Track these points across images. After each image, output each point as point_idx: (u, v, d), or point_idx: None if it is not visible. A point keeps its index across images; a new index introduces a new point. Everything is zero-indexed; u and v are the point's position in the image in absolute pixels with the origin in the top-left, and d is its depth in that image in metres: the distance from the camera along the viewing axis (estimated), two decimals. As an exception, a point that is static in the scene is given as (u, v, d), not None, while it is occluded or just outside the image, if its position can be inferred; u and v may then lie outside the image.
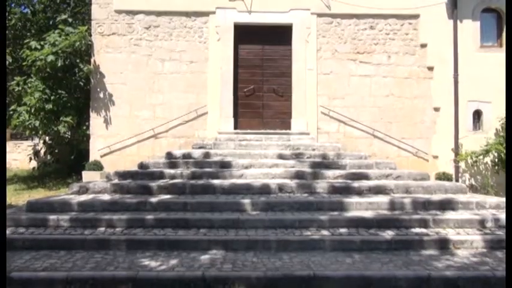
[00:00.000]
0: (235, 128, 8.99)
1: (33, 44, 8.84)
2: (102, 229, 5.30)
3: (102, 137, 8.88)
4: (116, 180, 7.07)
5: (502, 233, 5.16)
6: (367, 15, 9.10)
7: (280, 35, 9.15)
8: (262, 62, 9.27)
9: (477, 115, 9.14)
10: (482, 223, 5.48)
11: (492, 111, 8.93)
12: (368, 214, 5.64)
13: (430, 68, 9.05)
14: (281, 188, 6.51)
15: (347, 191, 6.52)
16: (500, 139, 8.56)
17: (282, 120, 9.17)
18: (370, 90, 9.07)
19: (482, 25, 9.19)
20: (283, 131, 8.95)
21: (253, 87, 9.19)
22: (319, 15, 9.12)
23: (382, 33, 9.19)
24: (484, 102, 9.01)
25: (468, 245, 4.96)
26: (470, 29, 9.09)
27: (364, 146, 8.92)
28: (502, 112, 8.59)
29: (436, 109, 9.01)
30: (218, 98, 8.93)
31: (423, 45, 9.08)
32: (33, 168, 11.29)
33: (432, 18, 9.03)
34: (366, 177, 7.12)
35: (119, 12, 9.07)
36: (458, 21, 8.98)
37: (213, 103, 8.93)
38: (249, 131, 8.88)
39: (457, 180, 8.63)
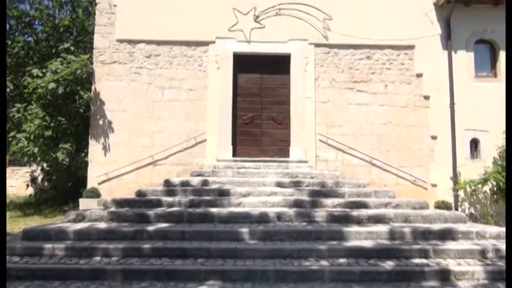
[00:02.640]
0: (234, 155, 9.01)
1: (35, 71, 8.94)
2: (98, 258, 5.22)
3: (100, 164, 8.87)
4: (113, 208, 7.01)
5: (503, 264, 5.11)
6: (363, 45, 9.30)
7: (279, 64, 9.31)
8: (261, 90, 9.39)
9: (474, 144, 9.20)
10: (483, 253, 5.42)
11: (489, 140, 9.00)
12: (367, 244, 5.58)
13: (427, 97, 9.17)
14: (279, 217, 6.46)
15: (346, 219, 6.47)
16: (498, 168, 8.58)
17: (280, 147, 9.20)
18: (367, 118, 9.16)
19: (476, 56, 9.38)
20: (282, 158, 8.96)
21: (252, 115, 9.27)
22: (317, 45, 9.31)
23: (379, 63, 9.37)
24: (481, 131, 9.09)
25: (469, 276, 4.89)
26: (464, 59, 9.28)
27: (362, 174, 8.92)
28: (499, 141, 8.71)
29: (434, 137, 9.07)
30: (217, 126, 8.99)
31: (419, 75, 9.24)
32: (30, 195, 11.21)
33: (427, 49, 9.23)
34: (364, 206, 7.09)
35: (121, 41, 9.24)
36: (452, 52, 9.18)
37: (212, 131, 8.99)
38: (247, 158, 8.89)
39: (456, 209, 8.60)
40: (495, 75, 9.44)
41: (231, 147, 8.98)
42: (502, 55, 9.33)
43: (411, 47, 9.30)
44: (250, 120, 9.27)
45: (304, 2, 9.25)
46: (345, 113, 9.15)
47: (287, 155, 9.05)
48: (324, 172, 8.58)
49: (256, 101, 9.36)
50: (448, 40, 9.19)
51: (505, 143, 8.62)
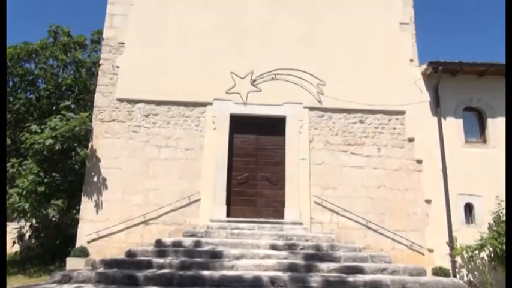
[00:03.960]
0: (228, 215, 8.90)
1: (34, 127, 9.06)
2: (82, 324, 4.95)
3: (91, 222, 8.69)
4: (101, 269, 6.77)
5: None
6: (356, 110, 9.61)
7: (275, 126, 9.54)
8: (256, 151, 9.52)
9: (469, 208, 9.20)
10: (484, 325, 5.22)
11: (483, 205, 9.02)
12: (364, 312, 5.36)
13: (419, 161, 9.32)
14: (273, 281, 6.25)
15: (342, 285, 6.27)
16: (494, 234, 8.51)
17: (275, 209, 9.14)
18: (362, 181, 9.22)
19: (465, 122, 9.71)
20: (276, 220, 8.86)
21: (247, 175, 9.31)
22: (311, 108, 9.62)
23: (371, 127, 9.63)
24: (475, 196, 9.14)
25: None
26: (454, 125, 9.58)
27: (357, 237, 8.79)
28: (493, 206, 8.73)
29: (428, 201, 9.08)
30: (212, 185, 8.98)
31: (411, 139, 9.46)
32: (16, 252, 10.82)
33: (417, 114, 9.55)
34: (361, 271, 6.91)
35: (121, 100, 9.50)
36: (442, 119, 9.50)
37: (206, 190, 8.96)
38: (241, 219, 8.78)
39: (454, 276, 8.39)
40: (484, 141, 9.70)
41: (225, 207, 8.90)
42: (490, 122, 9.68)
43: (402, 113, 9.62)
44: (245, 180, 9.29)
45: (299, 68, 9.70)
46: (339, 175, 9.22)
47: (282, 216, 8.96)
48: (318, 235, 8.45)
49: (251, 162, 9.45)
50: (437, 107, 9.55)
51: (499, 209, 8.69)
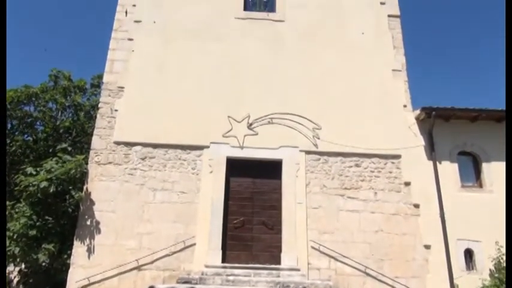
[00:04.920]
0: (224, 261, 8.68)
1: (29, 169, 9.01)
2: None
3: (83, 267, 8.44)
4: (91, 318, 6.49)
5: None
6: (352, 153, 9.67)
7: (271, 169, 9.54)
8: (252, 194, 9.45)
9: (469, 254, 9.04)
10: None
11: (483, 251, 8.88)
12: None
13: (416, 206, 9.26)
14: (270, 332, 6.00)
15: (341, 336, 6.02)
16: (496, 281, 8.32)
17: (271, 254, 8.93)
18: (359, 225, 9.10)
19: (460, 166, 9.77)
20: (273, 266, 8.64)
21: (243, 219, 9.18)
22: (307, 152, 9.67)
23: (367, 170, 9.64)
24: (474, 241, 9.01)
25: None
26: (449, 169, 9.63)
27: (356, 284, 8.54)
28: (493, 252, 8.60)
29: (427, 247, 8.92)
30: (207, 230, 8.82)
31: (407, 183, 9.46)
32: (1, 300, 10.38)
33: (413, 159, 9.61)
34: (360, 320, 6.66)
35: (118, 143, 9.55)
36: (437, 163, 9.56)
37: (201, 234, 8.79)
38: (237, 265, 8.55)
39: (457, 326, 8.09)
40: (480, 186, 9.71)
41: (220, 252, 8.70)
42: (485, 167, 9.75)
43: (398, 157, 9.69)
44: (241, 224, 9.15)
45: (295, 112, 9.86)
46: (336, 220, 9.11)
47: (278, 262, 8.74)
48: (316, 282, 8.20)
49: (247, 205, 9.35)
50: (432, 151, 9.64)
51: (499, 254, 8.54)
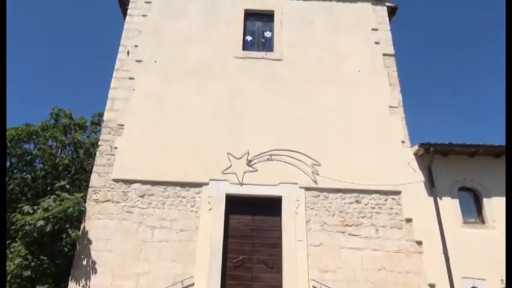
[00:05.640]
0: (222, 302, 8.42)
1: (26, 208, 8.92)
2: None
3: (77, 310, 8.17)
4: None
5: None
6: (352, 190, 9.62)
7: (270, 206, 9.45)
8: (252, 232, 9.31)
9: (474, 293, 8.81)
10: None
11: (489, 289, 8.65)
12: None
13: (419, 243, 9.11)
14: None
15: None
16: (503, 321, 8.05)
17: (272, 294, 8.68)
18: (361, 263, 8.90)
19: (461, 202, 9.68)
20: (273, 306, 8.38)
21: (242, 258, 8.99)
22: (307, 188, 9.62)
23: (368, 207, 9.56)
24: (479, 279, 8.79)
25: None
26: (450, 205, 9.55)
27: (360, 326, 8.25)
28: (499, 290, 8.37)
29: (432, 286, 8.69)
30: (206, 269, 8.61)
31: (408, 220, 9.35)
32: None
33: (413, 194, 9.55)
34: None
35: (117, 181, 9.51)
36: (438, 199, 9.50)
37: (200, 274, 8.57)
38: (236, 306, 8.30)
39: None
40: (483, 222, 9.60)
41: (219, 292, 8.46)
42: (486, 202, 9.67)
43: (398, 193, 9.63)
44: (240, 263, 8.95)
45: (294, 149, 9.91)
46: (338, 258, 8.92)
47: (279, 303, 8.48)
48: (318, 323, 7.94)
49: (247, 243, 9.19)
50: (432, 187, 9.61)
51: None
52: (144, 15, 12.00)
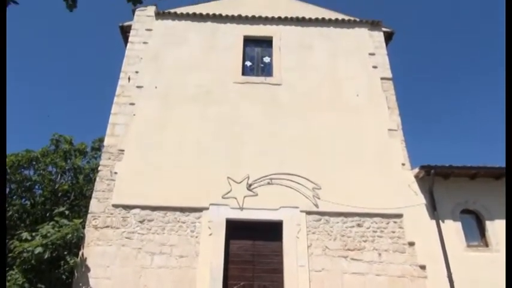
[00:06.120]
0: (223, 330, 8.21)
1: (25, 235, 8.81)
2: None
3: None
4: None
5: None
6: (353, 213, 9.54)
7: (271, 231, 9.35)
8: (253, 257, 9.17)
9: (481, 319, 8.60)
10: None
11: (497, 316, 8.45)
12: None
13: (422, 267, 8.96)
14: None
15: None
16: None
17: (273, 322, 8.48)
18: (364, 289, 8.74)
19: (464, 225, 9.59)
20: (275, 335, 8.16)
21: (243, 284, 8.82)
22: (308, 212, 9.54)
23: (370, 230, 9.45)
24: (486, 305, 8.61)
25: None
26: (453, 228, 9.45)
27: None
28: (506, 316, 8.16)
29: (437, 311, 8.52)
30: (206, 296, 8.45)
31: (411, 244, 9.23)
32: None
33: (415, 217, 9.47)
34: None
35: (116, 206, 9.44)
36: (440, 221, 9.41)
37: (200, 301, 8.40)
38: (237, 334, 8.08)
39: None
40: (486, 245, 9.48)
41: (220, 321, 8.26)
42: (489, 225, 9.58)
43: (399, 216, 9.54)
44: (241, 289, 8.79)
45: (294, 173, 9.89)
46: (340, 283, 8.76)
47: (281, 331, 8.27)
48: None
49: (248, 269, 9.04)
50: (434, 210, 9.53)
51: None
52: (145, 43, 12.24)
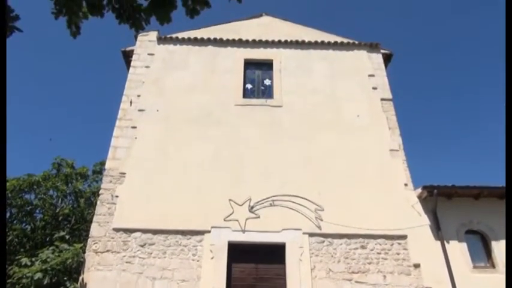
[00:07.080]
0: None
1: (24, 260, 8.72)
2: None
3: None
4: None
5: None
6: (356, 235, 9.41)
7: (274, 253, 9.20)
8: (256, 281, 9.00)
9: None
10: None
11: None
12: None
13: (429, 290, 8.79)
14: None
15: None
16: None
17: None
18: (370, 313, 8.54)
19: (469, 246, 9.44)
20: None
21: (246, 309, 8.65)
22: (311, 234, 9.41)
23: (374, 252, 9.30)
24: (494, 329, 8.39)
25: None
26: (458, 249, 9.31)
27: None
28: None
29: (445, 336, 8.29)
30: (208, 322, 8.25)
31: (416, 265, 9.06)
32: None
33: (419, 239, 9.34)
34: None
35: (117, 230, 9.34)
36: (445, 242, 9.27)
37: (202, 327, 8.20)
38: None
39: None
40: (493, 266, 9.31)
41: None
42: (495, 245, 9.43)
43: (404, 237, 9.41)
44: (244, 315, 8.60)
45: (296, 194, 9.82)
46: (345, 307, 8.58)
47: None
48: None
49: (250, 293, 8.87)
50: (439, 230, 9.41)
51: None
52: (147, 67, 12.41)
